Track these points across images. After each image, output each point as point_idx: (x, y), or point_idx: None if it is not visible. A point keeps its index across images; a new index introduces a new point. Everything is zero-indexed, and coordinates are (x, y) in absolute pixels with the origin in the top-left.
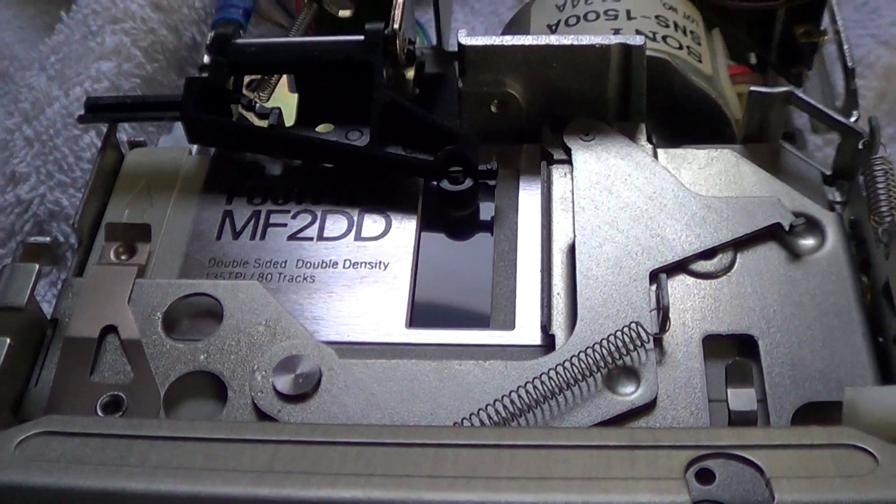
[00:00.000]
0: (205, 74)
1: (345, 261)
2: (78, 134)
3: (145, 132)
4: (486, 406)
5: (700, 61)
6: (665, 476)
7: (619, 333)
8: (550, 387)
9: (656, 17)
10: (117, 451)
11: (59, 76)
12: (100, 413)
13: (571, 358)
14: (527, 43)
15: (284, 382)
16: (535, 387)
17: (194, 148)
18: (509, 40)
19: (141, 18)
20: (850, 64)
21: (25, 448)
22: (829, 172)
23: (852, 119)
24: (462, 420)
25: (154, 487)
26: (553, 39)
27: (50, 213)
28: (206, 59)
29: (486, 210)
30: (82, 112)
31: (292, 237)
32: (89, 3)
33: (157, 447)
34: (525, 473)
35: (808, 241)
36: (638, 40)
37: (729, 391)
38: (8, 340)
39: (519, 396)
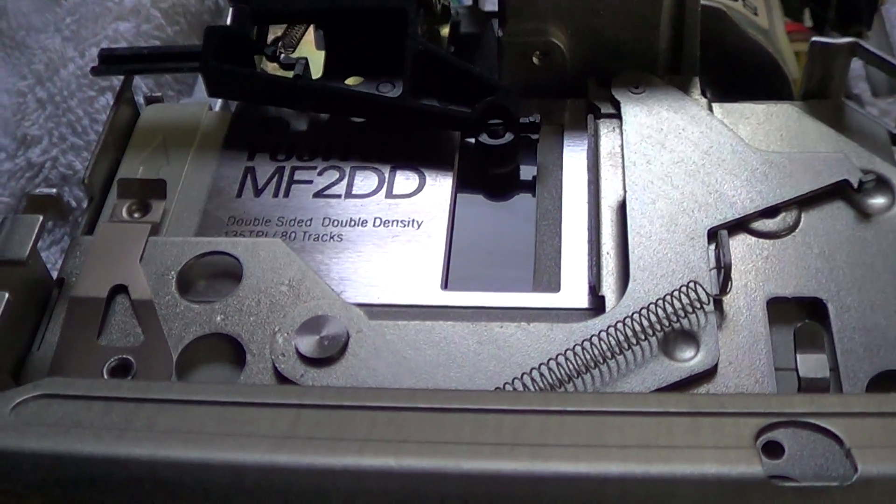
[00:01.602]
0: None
1: (375, 219)
2: (93, 95)
3: (165, 95)
4: (531, 370)
5: (756, 14)
6: (734, 445)
7: (675, 294)
8: (601, 350)
9: None
10: (122, 415)
11: (74, 37)
12: (107, 377)
13: (624, 319)
14: None
15: (308, 344)
16: (584, 350)
17: (218, 104)
18: None
19: None
20: None
21: (23, 411)
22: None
23: None
24: (504, 385)
25: (162, 453)
26: None
27: (62, 177)
28: (231, 12)
29: (528, 168)
30: None
31: (318, 194)
32: None
33: (167, 410)
34: (576, 441)
35: (877, 200)
36: None
37: (798, 357)
38: (7, 295)
39: (567, 360)
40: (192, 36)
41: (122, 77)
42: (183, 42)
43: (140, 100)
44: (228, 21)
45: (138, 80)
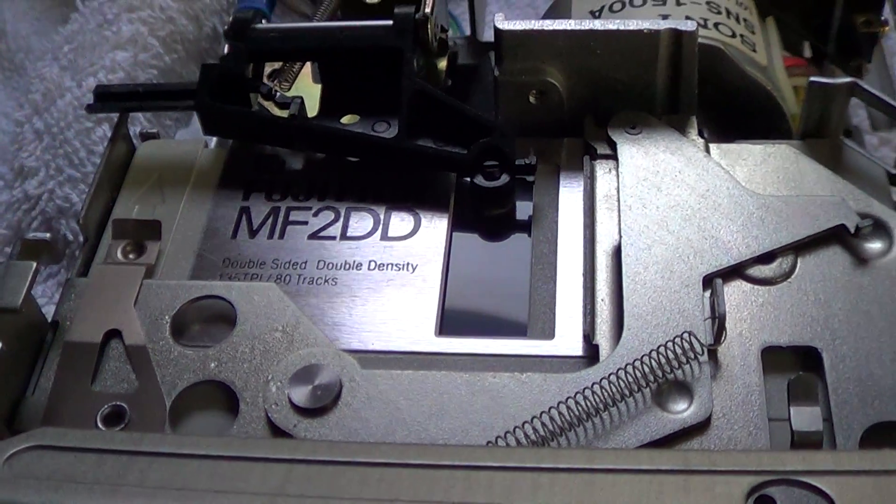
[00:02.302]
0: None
1: (370, 262)
2: (90, 126)
3: (162, 126)
4: (524, 423)
5: (754, 51)
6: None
7: (669, 344)
8: (594, 402)
9: (707, 2)
10: (115, 469)
11: (71, 66)
12: (100, 425)
13: (617, 371)
14: (569, 28)
15: (301, 394)
16: (577, 402)
17: (213, 141)
18: (549, 25)
19: (159, 7)
20: None
21: (15, 463)
22: (895, 171)
23: None
24: (496, 439)
25: None
26: (597, 24)
27: (59, 209)
28: (227, 48)
29: (524, 209)
30: None
31: (313, 236)
32: None
33: (159, 464)
34: (567, 500)
35: (875, 245)
36: (690, 26)
37: (792, 409)
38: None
39: (559, 413)
40: (189, 63)
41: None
42: (181, 70)
43: (136, 130)
44: (226, 49)
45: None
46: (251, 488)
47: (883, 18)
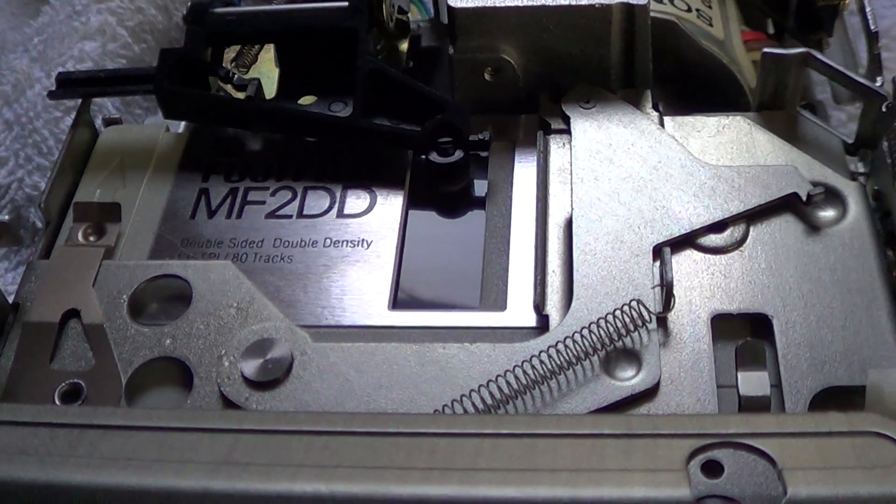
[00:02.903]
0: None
1: (325, 239)
2: (59, 116)
3: (132, 114)
4: (471, 392)
5: (711, 25)
6: (664, 468)
7: (618, 312)
8: (542, 371)
9: None
10: (66, 441)
11: (41, 58)
12: (58, 402)
13: (566, 339)
14: (521, 4)
15: (253, 368)
16: (524, 371)
17: (180, 125)
18: (502, 2)
19: None
20: (872, 27)
21: None
22: (850, 141)
23: (876, 85)
24: (443, 407)
25: (99, 480)
26: (549, 0)
27: (28, 197)
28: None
29: (479, 184)
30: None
31: (270, 215)
32: None
33: (109, 437)
34: (507, 465)
35: (827, 213)
36: (641, 0)
37: (739, 375)
38: None
39: (507, 382)
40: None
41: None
42: (150, 59)
43: (100, 120)
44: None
45: (105, 101)
46: (198, 458)
47: None
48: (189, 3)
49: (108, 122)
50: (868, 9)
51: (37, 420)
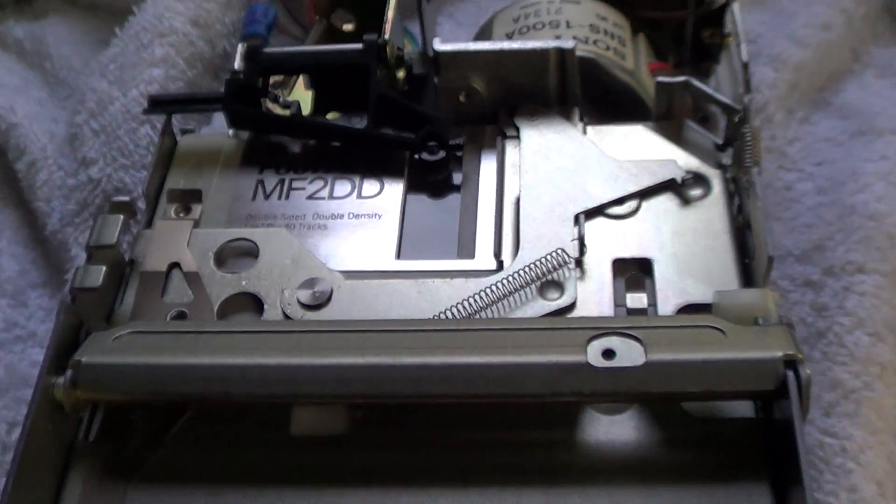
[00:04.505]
0: (240, 76)
1: (349, 213)
2: (136, 127)
3: (188, 125)
4: (450, 308)
5: (624, 59)
6: (572, 344)
7: (549, 257)
8: (498, 293)
9: (590, 25)
10: (188, 341)
11: (117, 81)
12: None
13: (514, 274)
14: (486, 48)
15: (306, 296)
16: (486, 293)
17: (244, 134)
18: (473, 46)
19: (182, 33)
20: (743, 59)
21: (120, 342)
22: (720, 142)
23: (746, 100)
24: (433, 316)
25: (213, 361)
26: (506, 45)
27: (115, 189)
28: (236, 64)
29: (456, 176)
30: (139, 109)
31: (309, 197)
32: (140, 21)
33: (215, 337)
34: (475, 345)
35: (696, 192)
36: (569, 44)
37: (627, 296)
38: (104, 268)
39: (475, 300)
40: (206, 76)
41: (163, 115)
42: (200, 82)
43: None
44: (236, 64)
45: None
46: (276, 346)
47: (726, 31)
48: (246, 47)
49: (183, 132)
50: (742, 45)
51: (165, 330)
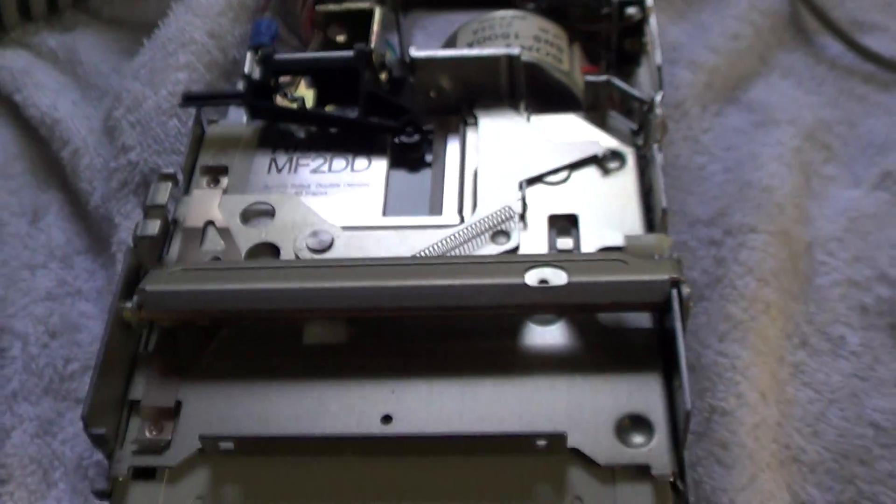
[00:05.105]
0: (253, 78)
1: (344, 183)
2: (165, 120)
3: (208, 118)
4: (423, 250)
5: (561, 63)
6: (511, 273)
7: (498, 212)
8: (459, 239)
9: (534, 36)
10: (230, 273)
11: (149, 83)
12: None
13: (471, 225)
14: (451, 55)
15: (313, 243)
16: (450, 238)
17: (257, 122)
18: (441, 53)
19: (201, 43)
20: (657, 62)
21: (173, 275)
22: (636, 127)
23: (658, 97)
24: (410, 257)
25: (244, 286)
26: (467, 52)
27: (151, 169)
28: (246, 69)
29: (428, 155)
30: (168, 105)
31: (313, 171)
32: (165, 33)
33: (244, 271)
34: (440, 274)
35: (614, 164)
36: (516, 51)
37: (557, 240)
38: (158, 221)
39: (441, 243)
40: (221, 80)
41: (193, 109)
42: (217, 84)
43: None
44: (246, 69)
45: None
46: (295, 277)
47: (644, 40)
48: (261, 53)
49: (210, 122)
50: (657, 51)
51: (208, 267)
